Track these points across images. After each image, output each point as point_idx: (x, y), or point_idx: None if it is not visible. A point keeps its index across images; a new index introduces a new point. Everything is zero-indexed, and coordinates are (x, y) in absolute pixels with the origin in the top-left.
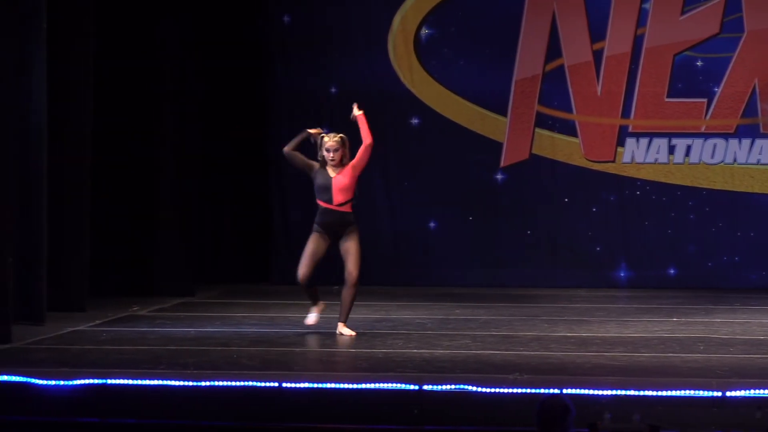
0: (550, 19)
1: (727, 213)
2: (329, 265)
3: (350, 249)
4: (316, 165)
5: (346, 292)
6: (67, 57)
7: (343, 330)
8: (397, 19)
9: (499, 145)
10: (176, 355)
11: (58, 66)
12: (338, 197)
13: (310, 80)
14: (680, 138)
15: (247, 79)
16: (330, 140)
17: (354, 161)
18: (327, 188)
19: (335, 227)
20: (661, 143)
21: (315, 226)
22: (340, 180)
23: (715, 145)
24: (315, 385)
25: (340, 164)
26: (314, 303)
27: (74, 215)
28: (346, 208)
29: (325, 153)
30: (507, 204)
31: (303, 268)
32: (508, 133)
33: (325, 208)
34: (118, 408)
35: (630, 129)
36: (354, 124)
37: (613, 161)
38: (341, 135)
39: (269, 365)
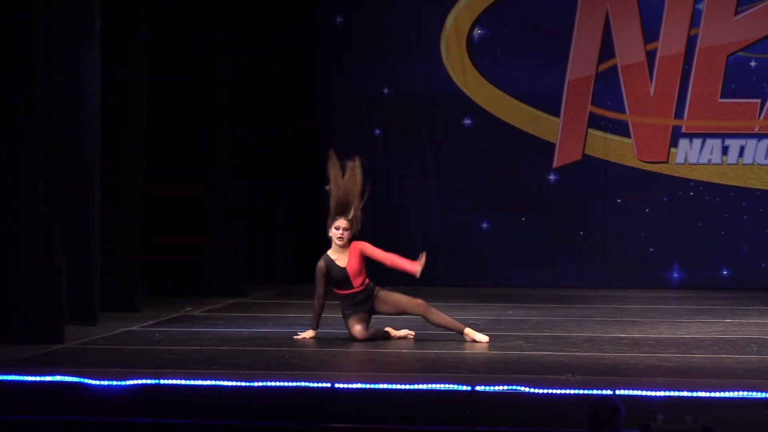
0: (604, 20)
1: None
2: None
3: (396, 300)
4: (324, 267)
5: (432, 319)
6: (122, 59)
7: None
8: (450, 20)
9: (552, 146)
10: (229, 355)
11: (113, 68)
12: (356, 281)
13: (363, 81)
14: (733, 138)
15: (299, 81)
16: (342, 219)
17: (367, 250)
18: (345, 279)
19: (365, 303)
20: (715, 144)
21: (346, 314)
22: (352, 266)
23: None
24: (367, 386)
25: (347, 244)
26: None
27: (127, 216)
28: (367, 283)
29: (333, 230)
30: (559, 205)
31: (358, 333)
32: (561, 133)
33: (347, 295)
34: (171, 408)
35: (683, 130)
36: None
37: (666, 162)
38: (352, 216)
39: (321, 366)
